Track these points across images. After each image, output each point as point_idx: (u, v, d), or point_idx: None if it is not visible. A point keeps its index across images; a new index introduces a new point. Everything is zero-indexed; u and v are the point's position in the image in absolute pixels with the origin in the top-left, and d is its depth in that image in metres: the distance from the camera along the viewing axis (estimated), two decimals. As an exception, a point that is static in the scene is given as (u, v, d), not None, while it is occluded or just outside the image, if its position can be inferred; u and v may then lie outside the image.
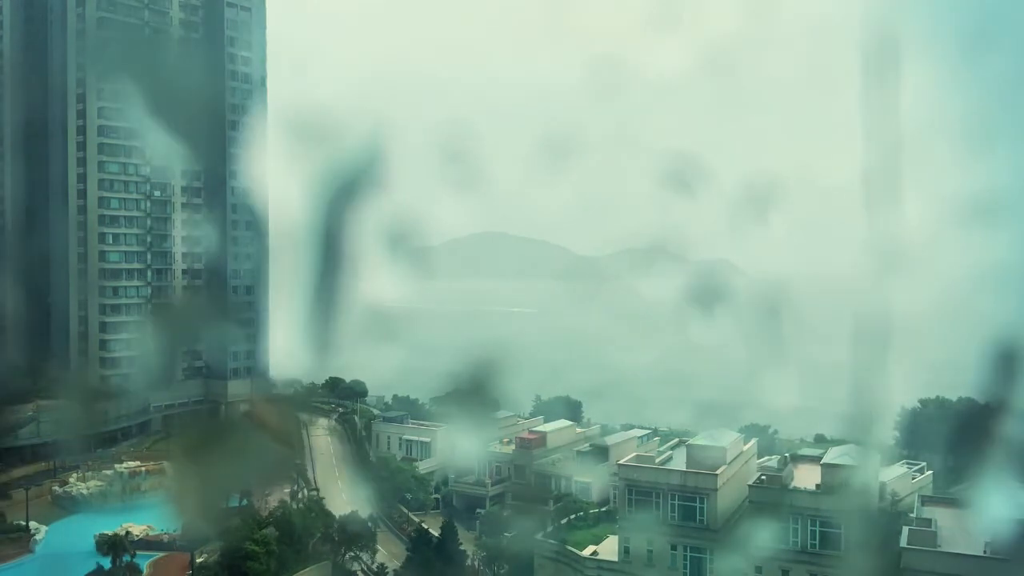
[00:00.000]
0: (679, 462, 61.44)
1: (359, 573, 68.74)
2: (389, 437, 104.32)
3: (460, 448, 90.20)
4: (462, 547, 67.51)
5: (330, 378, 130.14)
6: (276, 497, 79.73)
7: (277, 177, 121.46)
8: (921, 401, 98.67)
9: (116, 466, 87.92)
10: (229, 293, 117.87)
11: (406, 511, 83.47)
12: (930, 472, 73.22)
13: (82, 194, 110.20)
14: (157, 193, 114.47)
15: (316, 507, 73.34)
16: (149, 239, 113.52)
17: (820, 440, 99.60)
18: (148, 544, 69.70)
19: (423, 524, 77.43)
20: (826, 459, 57.41)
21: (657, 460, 62.30)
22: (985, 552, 44.96)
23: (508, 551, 67.95)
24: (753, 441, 70.43)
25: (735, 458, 61.48)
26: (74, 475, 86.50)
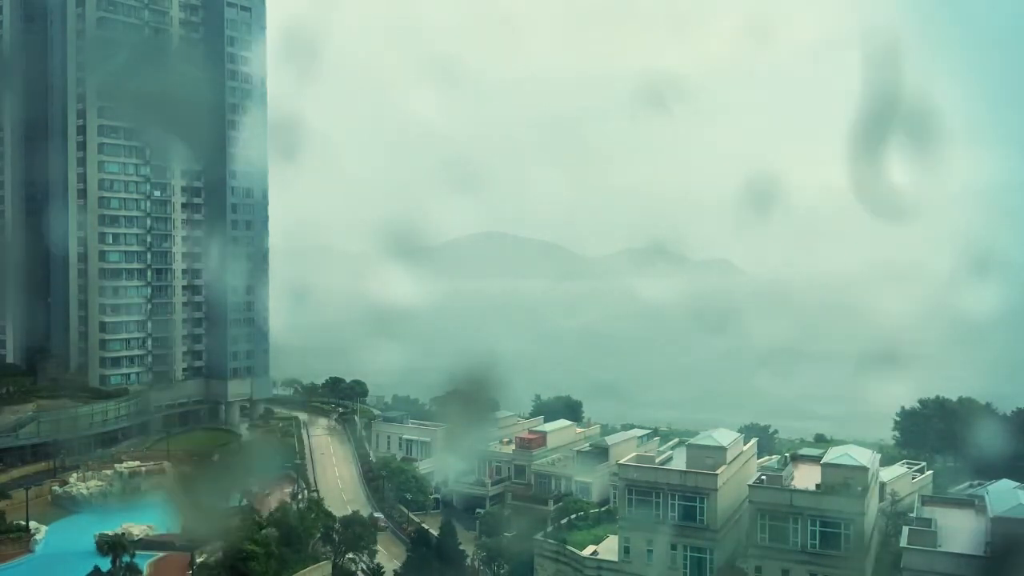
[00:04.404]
0: (679, 462, 61.46)
1: (359, 573, 68.71)
2: (389, 437, 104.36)
3: (460, 448, 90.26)
4: (461, 547, 67.46)
5: (330, 378, 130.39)
6: (276, 497, 79.77)
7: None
8: (921, 401, 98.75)
9: (116, 466, 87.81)
10: (229, 293, 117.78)
11: (406, 511, 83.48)
12: (930, 472, 73.36)
13: (82, 194, 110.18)
14: (157, 193, 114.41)
15: (316, 507, 73.26)
16: (149, 239, 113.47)
17: (820, 440, 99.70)
18: (148, 544, 69.60)
19: (423, 524, 77.46)
20: (826, 459, 57.40)
21: (657, 460, 62.32)
22: (985, 552, 44.96)
23: (508, 551, 67.97)
24: (753, 441, 70.48)
25: (735, 458, 61.49)
26: (74, 475, 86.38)
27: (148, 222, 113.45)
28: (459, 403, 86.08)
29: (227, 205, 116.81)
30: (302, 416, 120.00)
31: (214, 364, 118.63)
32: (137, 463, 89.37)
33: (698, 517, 57.26)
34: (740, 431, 72.99)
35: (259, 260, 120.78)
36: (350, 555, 69.04)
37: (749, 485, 57.03)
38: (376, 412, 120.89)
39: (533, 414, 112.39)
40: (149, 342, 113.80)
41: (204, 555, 65.51)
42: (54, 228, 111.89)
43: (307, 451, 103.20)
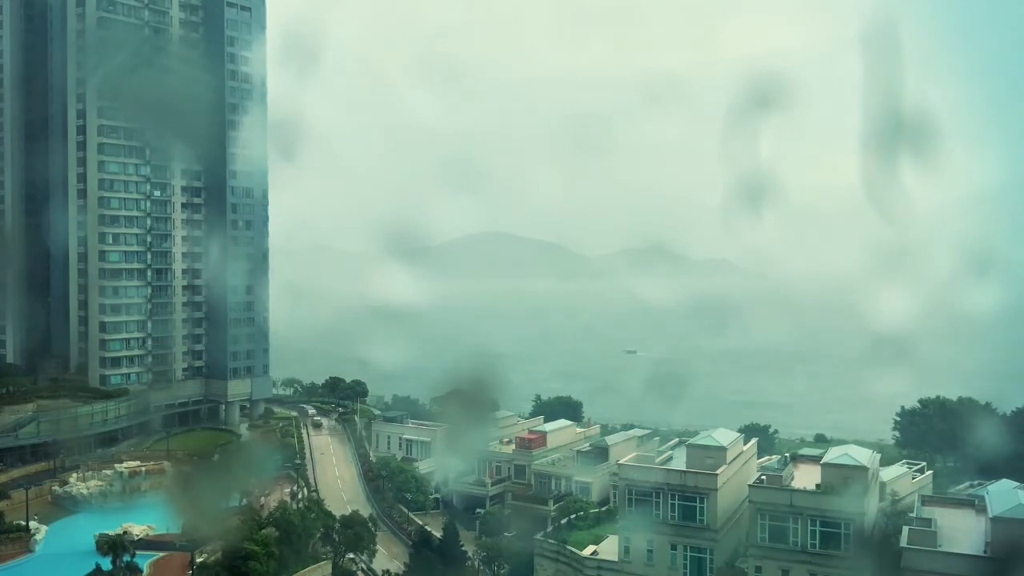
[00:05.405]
0: (679, 462, 61.41)
1: (359, 573, 68.69)
2: (389, 437, 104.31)
3: (460, 448, 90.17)
4: (463, 547, 67.38)
5: (330, 378, 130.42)
6: (276, 497, 79.80)
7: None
8: (921, 401, 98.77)
9: (116, 466, 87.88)
10: (229, 293, 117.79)
11: (406, 511, 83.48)
12: (930, 472, 73.34)
13: (82, 194, 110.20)
14: (157, 193, 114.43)
15: (316, 507, 73.26)
16: (149, 239, 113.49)
17: (820, 440, 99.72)
18: (148, 544, 69.69)
19: (425, 525, 77.42)
20: (826, 459, 57.37)
21: (657, 460, 62.26)
22: (985, 552, 44.95)
23: (508, 551, 67.94)
24: (753, 441, 70.41)
25: (735, 458, 61.45)
26: (74, 475, 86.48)
27: (148, 222, 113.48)
28: (459, 403, 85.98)
29: (227, 205, 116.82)
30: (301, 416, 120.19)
31: (214, 364, 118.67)
32: (137, 463, 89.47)
33: (698, 517, 57.22)
34: (740, 431, 72.93)
35: (259, 260, 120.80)
36: (350, 555, 69.05)
37: (749, 485, 56.98)
38: (376, 412, 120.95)
39: (533, 414, 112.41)
40: (149, 342, 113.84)
41: (204, 555, 65.54)
42: (54, 228, 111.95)
43: (307, 451, 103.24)
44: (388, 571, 66.57)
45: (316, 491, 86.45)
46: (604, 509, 73.23)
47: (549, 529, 68.69)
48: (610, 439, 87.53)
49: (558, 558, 63.78)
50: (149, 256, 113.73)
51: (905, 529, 48.03)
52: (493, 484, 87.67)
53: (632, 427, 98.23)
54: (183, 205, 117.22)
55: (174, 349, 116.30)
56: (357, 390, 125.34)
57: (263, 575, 58.59)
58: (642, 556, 58.55)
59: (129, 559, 62.73)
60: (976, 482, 71.23)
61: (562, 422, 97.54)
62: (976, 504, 54.04)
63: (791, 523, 53.54)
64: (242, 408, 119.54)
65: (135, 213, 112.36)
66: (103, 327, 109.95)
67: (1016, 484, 50.74)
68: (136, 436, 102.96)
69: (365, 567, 68.83)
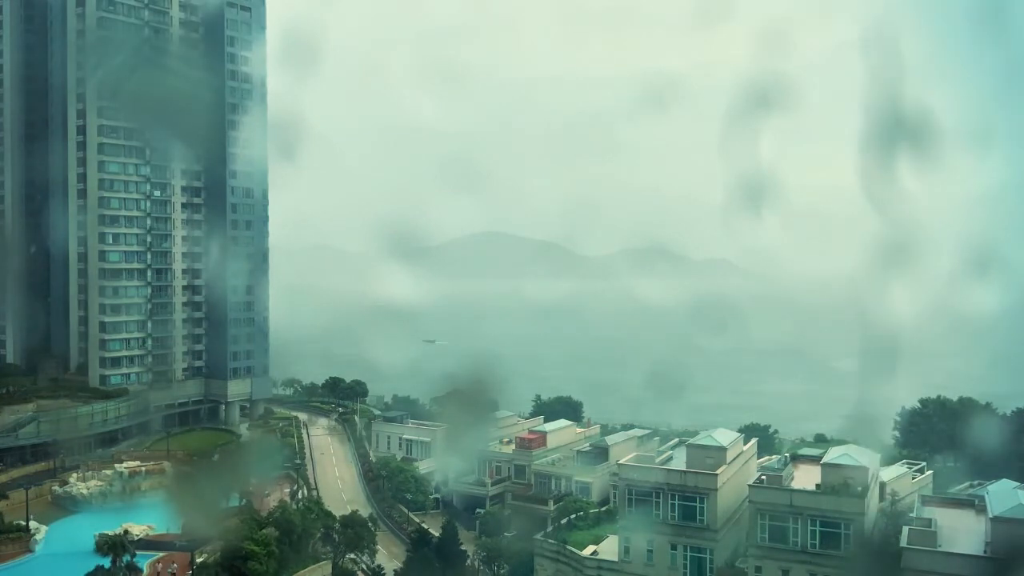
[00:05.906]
0: (679, 462, 61.38)
1: (359, 573, 68.71)
2: (389, 437, 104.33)
3: (460, 448, 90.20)
4: (462, 547, 67.43)
5: (330, 378, 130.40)
6: (276, 497, 79.83)
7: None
8: (921, 401, 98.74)
9: (116, 466, 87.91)
10: (229, 293, 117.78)
11: (406, 511, 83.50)
12: (930, 472, 73.30)
13: (82, 194, 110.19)
14: (157, 193, 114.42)
15: (316, 507, 73.27)
16: (149, 239, 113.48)
17: (820, 440, 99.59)
18: (148, 544, 69.72)
19: (423, 524, 77.47)
20: (826, 459, 57.35)
21: (657, 460, 62.23)
22: (985, 552, 44.93)
23: (508, 551, 67.95)
24: (753, 441, 70.37)
25: (735, 458, 61.43)
26: (74, 475, 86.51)
27: (148, 222, 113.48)
28: (459, 403, 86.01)
29: (227, 205, 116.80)
30: (302, 416, 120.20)
31: (214, 364, 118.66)
32: (137, 463, 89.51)
33: (698, 517, 57.18)
34: (740, 431, 72.89)
35: (259, 260, 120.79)
36: (350, 555, 69.07)
37: (749, 485, 56.94)
38: (376, 412, 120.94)
39: (533, 414, 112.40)
40: (149, 342, 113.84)
41: (204, 555, 65.55)
42: (54, 228, 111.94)
43: (307, 451, 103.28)
44: (380, 566, 66.52)
45: (316, 491, 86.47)
46: (604, 509, 73.17)
47: (549, 529, 68.66)
48: (610, 439, 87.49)
49: (558, 558, 63.77)
50: (149, 256, 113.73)
51: (905, 529, 47.97)
52: (493, 484, 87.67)
53: (632, 427, 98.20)
54: (183, 205, 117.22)
55: (174, 349, 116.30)
56: (357, 390, 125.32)
57: (263, 575, 58.63)
58: (642, 556, 58.52)
59: (129, 559, 62.75)
60: (976, 482, 71.16)
61: (562, 422, 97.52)
62: (976, 504, 53.98)
63: (791, 523, 53.50)
64: (242, 408, 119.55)
65: (135, 213, 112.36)
66: (103, 327, 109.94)
67: (1016, 484, 50.70)
68: (136, 436, 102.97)
69: (365, 567, 68.79)
